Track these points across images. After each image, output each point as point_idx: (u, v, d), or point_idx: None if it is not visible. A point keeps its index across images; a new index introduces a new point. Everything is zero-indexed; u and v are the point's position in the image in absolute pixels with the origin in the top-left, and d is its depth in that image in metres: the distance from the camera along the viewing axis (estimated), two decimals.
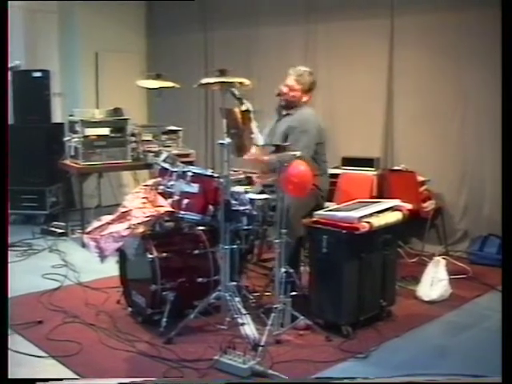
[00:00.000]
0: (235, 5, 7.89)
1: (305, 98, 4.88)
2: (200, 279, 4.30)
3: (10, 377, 2.84)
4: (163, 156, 4.65)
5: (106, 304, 4.69)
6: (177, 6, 8.22)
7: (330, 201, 5.40)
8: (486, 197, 6.09)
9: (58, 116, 7.87)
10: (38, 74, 7.33)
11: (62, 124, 7.42)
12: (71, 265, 5.68)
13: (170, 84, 6.39)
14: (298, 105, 4.88)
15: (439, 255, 5.35)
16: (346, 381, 3.44)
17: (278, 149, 4.07)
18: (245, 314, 4.01)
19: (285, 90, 4.86)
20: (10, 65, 6.61)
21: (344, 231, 4.04)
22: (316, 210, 4.37)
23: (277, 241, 4.08)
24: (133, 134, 6.87)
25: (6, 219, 3.12)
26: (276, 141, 4.62)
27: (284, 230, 4.07)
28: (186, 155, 6.79)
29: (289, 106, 4.90)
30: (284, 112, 4.92)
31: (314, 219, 4.23)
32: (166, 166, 4.49)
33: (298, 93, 4.85)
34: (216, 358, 3.62)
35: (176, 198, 4.28)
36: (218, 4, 8.07)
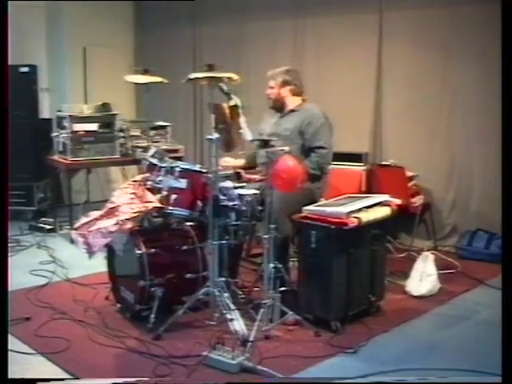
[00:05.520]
0: (224, 0, 7.87)
1: (284, 93, 4.94)
2: (189, 275, 4.28)
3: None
4: (151, 151, 4.63)
5: (95, 300, 4.67)
6: (165, 1, 8.17)
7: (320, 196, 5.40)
8: (475, 192, 6.11)
9: (45, 111, 7.83)
10: (26, 69, 7.28)
11: (49, 119, 7.39)
12: (59, 261, 5.66)
13: (158, 79, 6.38)
14: (283, 101, 4.96)
15: (428, 250, 5.36)
16: (336, 381, 3.44)
17: (266, 144, 4.05)
18: (234, 310, 3.99)
19: (267, 91, 5.01)
20: None
21: (333, 226, 4.03)
22: None
23: (265, 236, 4.08)
24: (121, 130, 6.85)
25: (5, 217, 3.11)
26: (281, 137, 4.65)
27: (273, 226, 4.07)
28: (175, 150, 6.76)
29: (276, 105, 5.01)
30: (286, 110, 4.98)
31: (303, 214, 4.23)
32: (155, 161, 4.47)
33: (275, 90, 4.96)
34: (205, 353, 3.61)
35: (164, 193, 4.26)
36: None
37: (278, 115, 5.00)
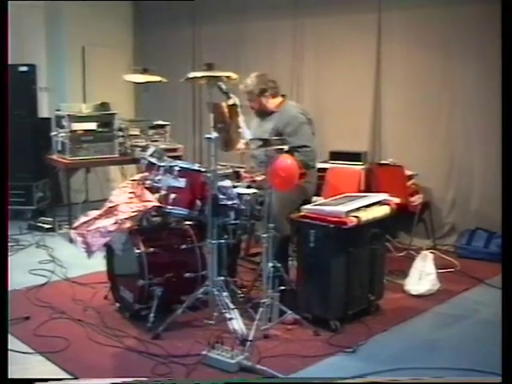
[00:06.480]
0: (224, 0, 7.87)
1: (264, 101, 4.92)
2: (187, 274, 4.28)
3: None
4: (150, 150, 4.62)
5: (94, 299, 4.67)
6: (165, 1, 8.17)
7: (318, 195, 5.40)
8: (474, 191, 6.11)
9: (44, 111, 7.82)
10: (25, 69, 7.27)
11: (48, 119, 7.38)
12: (58, 260, 5.66)
13: (156, 78, 6.38)
14: (265, 108, 4.94)
15: (427, 249, 5.37)
16: (335, 381, 3.43)
17: (266, 143, 4.05)
18: (233, 309, 3.99)
19: (249, 105, 4.97)
20: None
21: (332, 225, 4.03)
22: (304, 205, 4.38)
23: (264, 235, 4.07)
24: (120, 129, 6.85)
25: (5, 216, 3.10)
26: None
27: (271, 225, 4.06)
28: (174, 150, 6.76)
29: (258, 112, 4.99)
30: (268, 112, 4.97)
31: (302, 214, 4.22)
32: (153, 160, 4.46)
33: (253, 101, 4.92)
34: (204, 353, 3.61)
35: (163, 192, 4.26)
36: None
37: (261, 118, 5.00)
